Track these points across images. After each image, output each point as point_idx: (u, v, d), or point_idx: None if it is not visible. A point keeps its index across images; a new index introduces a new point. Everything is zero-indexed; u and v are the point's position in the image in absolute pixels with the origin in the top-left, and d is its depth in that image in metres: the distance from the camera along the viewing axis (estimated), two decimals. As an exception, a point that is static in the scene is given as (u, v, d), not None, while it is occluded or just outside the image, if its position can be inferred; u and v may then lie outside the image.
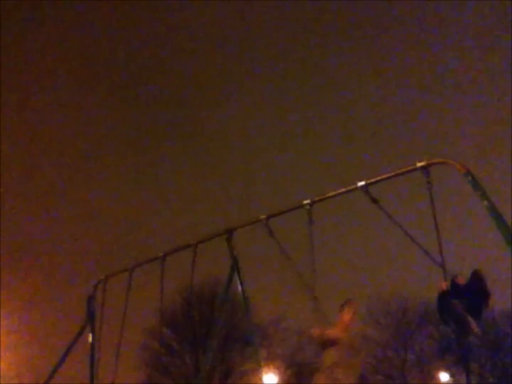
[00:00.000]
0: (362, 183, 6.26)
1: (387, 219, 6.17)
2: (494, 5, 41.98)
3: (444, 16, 47.33)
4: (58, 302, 31.14)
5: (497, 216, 5.19)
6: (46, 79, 46.72)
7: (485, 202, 5.26)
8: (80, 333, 9.59)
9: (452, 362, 32.84)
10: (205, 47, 50.80)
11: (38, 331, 28.62)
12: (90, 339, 9.61)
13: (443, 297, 5.63)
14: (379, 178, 6.26)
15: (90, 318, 9.66)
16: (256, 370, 17.31)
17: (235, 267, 7.53)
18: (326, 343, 6.00)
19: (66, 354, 9.44)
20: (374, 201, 6.19)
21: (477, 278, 5.68)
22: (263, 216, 7.27)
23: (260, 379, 12.35)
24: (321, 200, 6.83)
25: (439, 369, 32.26)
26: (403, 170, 6.08)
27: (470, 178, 5.41)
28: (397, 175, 6.15)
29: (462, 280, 5.74)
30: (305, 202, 6.81)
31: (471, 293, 5.60)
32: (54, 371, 9.47)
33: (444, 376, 31.86)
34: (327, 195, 6.81)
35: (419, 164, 5.76)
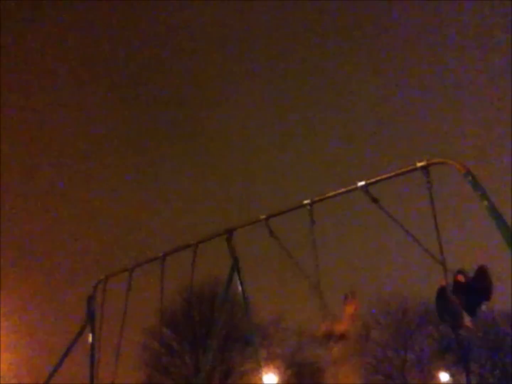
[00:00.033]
0: (362, 183, 6.26)
1: (387, 219, 6.17)
2: (494, 5, 41.99)
3: (444, 16, 47.36)
4: (58, 302, 31.16)
5: (497, 216, 5.19)
6: (46, 79, 46.74)
7: (485, 202, 5.26)
8: (80, 333, 9.59)
9: (452, 362, 32.86)
10: (205, 47, 50.83)
11: (38, 331, 28.63)
12: (90, 339, 9.61)
13: (442, 291, 5.69)
14: (379, 178, 6.26)
15: (90, 318, 9.65)
16: (256, 370, 17.31)
17: (235, 267, 7.53)
18: (335, 338, 6.04)
19: (66, 354, 9.43)
20: (374, 200, 6.19)
21: (482, 273, 5.73)
22: (263, 216, 7.26)
23: (260, 379, 12.33)
24: (321, 200, 6.82)
25: (439, 369, 32.28)
26: (403, 170, 6.07)
27: (470, 178, 5.41)
28: (397, 175, 6.15)
29: (462, 278, 5.77)
30: (305, 202, 6.81)
31: (472, 290, 5.64)
32: (54, 371, 9.46)
33: (444, 376, 31.88)
34: (327, 195, 6.80)
35: (419, 164, 5.75)
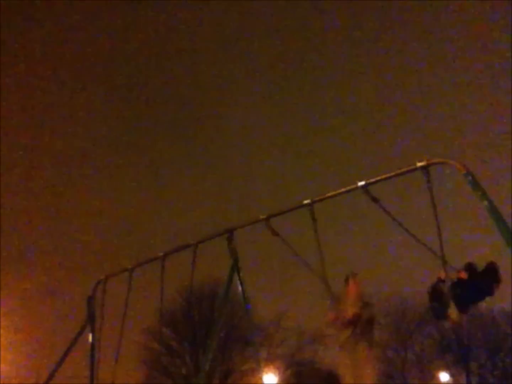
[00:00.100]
0: (362, 183, 6.26)
1: (387, 219, 6.18)
2: (494, 5, 41.99)
3: (444, 16, 47.36)
4: (58, 302, 31.18)
5: (497, 216, 5.19)
6: (46, 79, 46.74)
7: (485, 202, 5.26)
8: (80, 333, 9.58)
9: (452, 362, 32.88)
10: (205, 47, 50.84)
11: (38, 331, 28.64)
12: (90, 339, 9.61)
13: (438, 282, 5.85)
14: (379, 178, 6.26)
15: (90, 318, 9.65)
16: (256, 370, 17.31)
17: (235, 267, 7.53)
18: (346, 324, 6.11)
19: (66, 354, 9.43)
20: (375, 200, 6.19)
21: (491, 269, 5.78)
22: (263, 216, 7.27)
23: (260, 379, 12.34)
24: (321, 200, 6.83)
25: (439, 369, 32.30)
26: (403, 170, 6.08)
27: (470, 178, 5.42)
28: (397, 175, 6.15)
29: (465, 275, 5.82)
30: (306, 202, 6.81)
31: (474, 287, 5.69)
32: (54, 371, 9.46)
33: (444, 376, 31.90)
34: (327, 195, 6.81)
35: (419, 164, 5.76)
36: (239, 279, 7.53)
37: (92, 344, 9.58)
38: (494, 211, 5.21)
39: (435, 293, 5.89)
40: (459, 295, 5.58)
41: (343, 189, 6.62)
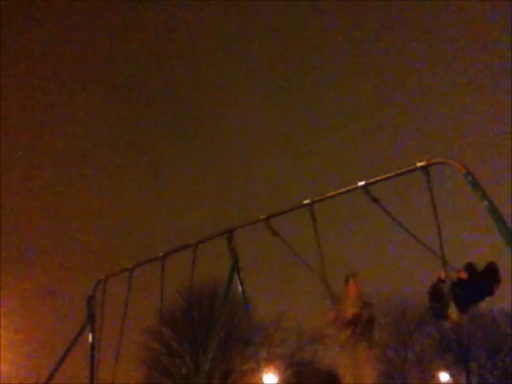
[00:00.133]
0: (362, 183, 6.26)
1: (387, 219, 6.19)
2: (494, 5, 42.00)
3: (444, 16, 47.37)
4: (58, 302, 31.17)
5: (497, 216, 5.19)
6: (46, 79, 46.74)
7: (485, 202, 5.27)
8: (80, 333, 9.58)
9: (452, 362, 32.88)
10: (205, 47, 50.84)
11: (38, 331, 28.64)
12: (90, 339, 9.61)
13: (439, 282, 5.86)
14: (379, 178, 6.27)
15: (90, 318, 9.65)
16: (256, 370, 17.31)
17: (235, 267, 7.53)
18: (346, 324, 6.12)
19: (66, 354, 9.42)
20: (375, 200, 6.20)
21: (491, 269, 5.79)
22: (263, 216, 7.27)
23: (260, 379, 12.34)
24: (321, 200, 6.83)
25: (439, 369, 32.30)
26: (403, 170, 6.08)
27: (470, 178, 5.42)
28: (397, 175, 6.15)
29: (465, 275, 5.83)
30: (306, 202, 6.81)
31: (474, 287, 5.70)
32: (54, 371, 9.46)
33: (444, 376, 31.90)
34: (327, 195, 6.81)
35: (419, 164, 5.76)
36: (239, 279, 7.53)
37: (92, 344, 9.57)
38: (494, 211, 5.22)
39: (435, 293, 5.91)
40: (459, 295, 5.58)
41: (343, 189, 6.62)
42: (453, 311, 5.48)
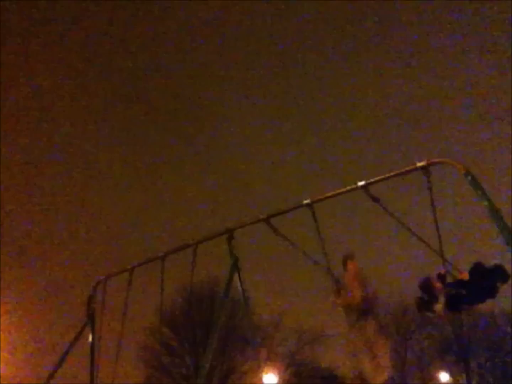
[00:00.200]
0: (362, 182, 6.28)
1: (387, 219, 6.20)
2: (494, 5, 41.99)
3: (444, 15, 47.39)
4: (58, 302, 31.13)
5: (497, 216, 5.20)
6: (46, 79, 46.73)
7: (485, 202, 5.28)
8: (80, 333, 9.59)
9: (452, 362, 32.87)
10: (205, 47, 50.80)
11: (38, 331, 28.62)
12: (90, 339, 9.61)
13: (434, 277, 5.84)
14: (379, 178, 6.28)
15: (90, 318, 9.66)
16: (256, 370, 17.32)
17: (235, 267, 7.53)
18: (355, 307, 6.25)
19: (66, 354, 9.43)
20: (375, 200, 6.21)
21: (499, 270, 5.78)
22: (263, 216, 7.28)
23: (260, 379, 12.37)
24: (321, 200, 6.84)
25: (439, 369, 32.28)
26: (403, 170, 6.09)
27: (470, 178, 5.43)
28: (397, 175, 6.17)
29: (465, 276, 5.82)
30: (305, 202, 6.82)
31: (473, 288, 5.69)
32: (54, 371, 9.46)
33: (444, 376, 31.89)
34: (327, 194, 6.82)
35: (419, 164, 5.78)
36: (239, 279, 7.54)
37: (92, 344, 9.58)
38: (494, 211, 5.22)
39: (427, 285, 5.90)
40: (454, 294, 5.59)
41: (343, 189, 6.63)
42: (440, 307, 5.54)
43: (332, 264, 6.68)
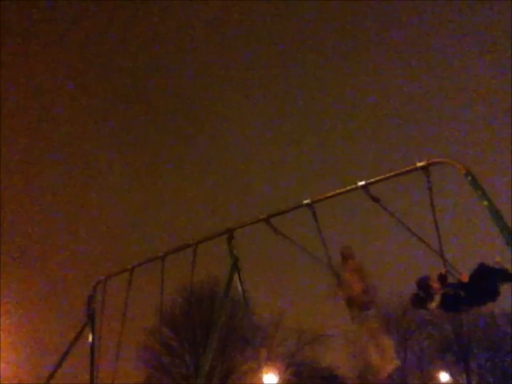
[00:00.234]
0: (362, 182, 6.28)
1: (387, 219, 6.21)
2: (494, 5, 42.01)
3: (444, 16, 47.38)
4: (58, 302, 31.14)
5: (497, 216, 5.20)
6: (46, 79, 46.73)
7: (485, 202, 5.28)
8: (80, 333, 9.59)
9: (452, 362, 32.86)
10: (204, 47, 50.80)
11: (38, 331, 28.61)
12: (90, 339, 9.61)
13: (434, 277, 5.86)
14: (379, 178, 6.28)
15: (90, 318, 9.66)
16: (256, 370, 17.31)
17: (235, 267, 7.54)
18: (357, 300, 6.33)
19: (66, 354, 9.43)
20: (375, 200, 6.22)
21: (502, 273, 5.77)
22: (263, 216, 7.28)
23: (260, 379, 12.36)
24: (321, 200, 6.84)
25: (439, 369, 32.27)
26: (403, 170, 6.10)
27: (470, 178, 5.44)
28: (397, 175, 6.17)
29: (465, 277, 5.82)
30: (305, 201, 6.83)
31: (472, 291, 5.68)
32: (54, 371, 9.47)
33: (444, 376, 31.88)
34: (327, 194, 6.82)
35: (419, 164, 5.78)
36: (239, 279, 7.54)
37: (92, 344, 9.59)
38: (494, 211, 5.22)
39: (425, 283, 5.92)
40: (451, 295, 5.59)
41: (343, 189, 6.64)
42: (433, 305, 5.57)
43: (332, 261, 6.72)
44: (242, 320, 27.42)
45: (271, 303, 31.06)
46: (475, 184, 5.39)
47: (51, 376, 9.46)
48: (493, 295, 5.72)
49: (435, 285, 5.73)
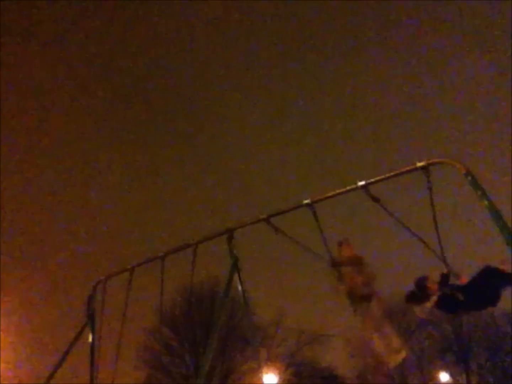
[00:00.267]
0: (362, 182, 6.28)
1: (386, 219, 6.20)
2: (494, 5, 42.00)
3: (444, 16, 47.37)
4: (58, 302, 31.16)
5: (497, 216, 5.20)
6: (47, 79, 46.72)
7: (485, 202, 5.27)
8: (80, 333, 9.59)
9: (452, 362, 32.86)
10: (205, 47, 50.82)
11: (38, 331, 28.63)
12: (90, 339, 9.61)
13: (442, 278, 5.86)
14: (379, 178, 6.28)
15: (90, 318, 9.65)
16: (256, 370, 17.32)
17: (235, 267, 7.53)
18: (357, 290, 6.35)
19: (66, 354, 9.43)
20: (375, 200, 6.21)
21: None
22: (263, 216, 7.27)
23: (260, 379, 12.37)
24: (321, 200, 6.84)
25: (439, 369, 32.27)
26: (403, 170, 6.09)
27: (470, 178, 5.43)
28: (397, 175, 6.16)
29: (464, 280, 5.80)
30: (305, 201, 6.82)
31: (472, 293, 5.65)
32: (54, 371, 9.46)
33: (444, 376, 31.88)
34: (327, 194, 6.82)
35: (419, 164, 5.78)
36: (239, 279, 7.54)
37: (92, 344, 9.58)
38: (494, 211, 5.22)
39: (422, 283, 5.91)
40: (447, 297, 5.59)
41: (343, 189, 6.63)
42: (428, 305, 5.57)
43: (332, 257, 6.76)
44: (242, 320, 27.43)
45: (271, 303, 31.09)
46: (475, 184, 5.39)
47: (51, 376, 9.45)
48: (493, 300, 5.66)
49: (433, 286, 5.73)
